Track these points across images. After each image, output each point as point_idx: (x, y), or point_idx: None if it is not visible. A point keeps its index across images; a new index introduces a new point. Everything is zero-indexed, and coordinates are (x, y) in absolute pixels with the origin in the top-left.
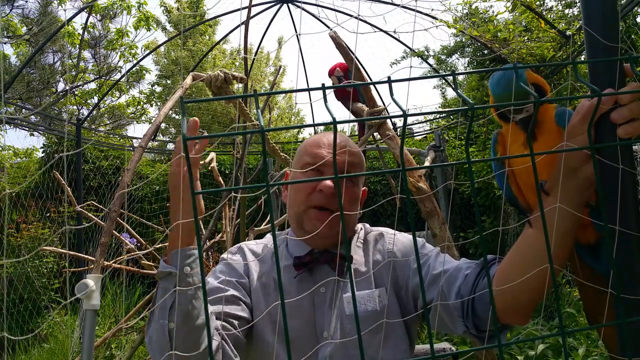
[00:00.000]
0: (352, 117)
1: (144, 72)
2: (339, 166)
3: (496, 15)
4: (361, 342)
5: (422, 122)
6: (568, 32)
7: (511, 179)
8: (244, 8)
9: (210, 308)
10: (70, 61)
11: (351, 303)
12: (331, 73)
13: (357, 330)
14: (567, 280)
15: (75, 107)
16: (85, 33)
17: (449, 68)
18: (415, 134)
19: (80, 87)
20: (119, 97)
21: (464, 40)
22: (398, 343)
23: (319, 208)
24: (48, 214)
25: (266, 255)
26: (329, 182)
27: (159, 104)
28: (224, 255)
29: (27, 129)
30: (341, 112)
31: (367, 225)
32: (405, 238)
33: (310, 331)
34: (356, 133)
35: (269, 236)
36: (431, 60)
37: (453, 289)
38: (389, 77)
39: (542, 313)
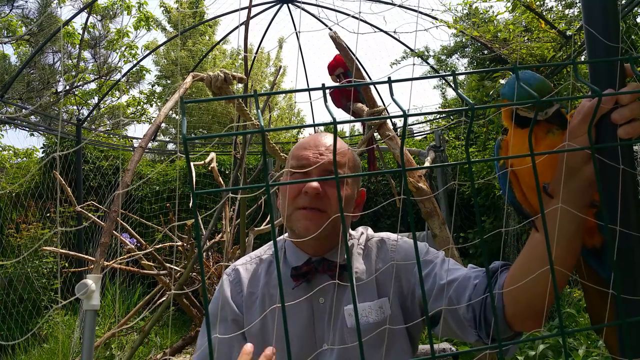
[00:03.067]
0: (352, 117)
1: (144, 72)
2: (323, 167)
3: (496, 16)
4: (362, 355)
5: (422, 123)
6: (568, 32)
7: (515, 185)
8: (243, 8)
9: None
10: (70, 61)
11: (353, 315)
12: (331, 68)
13: (359, 343)
14: (568, 280)
15: (75, 107)
16: (85, 33)
17: (449, 68)
18: (415, 134)
19: (80, 87)
20: (119, 97)
21: (464, 40)
22: (401, 355)
23: (306, 208)
24: (48, 214)
25: (258, 271)
26: (313, 183)
27: (159, 104)
28: (223, 277)
29: (27, 129)
30: (341, 112)
31: (370, 230)
32: (407, 244)
33: (309, 343)
34: (356, 133)
35: (264, 247)
36: (431, 60)
37: (463, 298)
38: (389, 77)
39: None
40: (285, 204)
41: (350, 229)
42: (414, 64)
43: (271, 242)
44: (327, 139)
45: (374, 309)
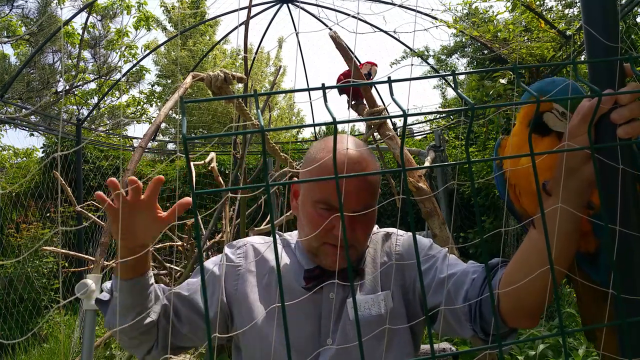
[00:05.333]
0: (353, 116)
1: (143, 72)
2: (358, 201)
3: (496, 15)
4: (362, 347)
5: (422, 122)
6: (568, 32)
7: (509, 183)
8: (243, 8)
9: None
10: (70, 61)
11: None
12: (339, 80)
13: (357, 335)
14: (568, 280)
15: (75, 107)
16: (85, 33)
17: (449, 68)
18: (415, 134)
19: (80, 87)
20: (119, 97)
21: (464, 40)
22: (403, 347)
23: (335, 245)
24: (48, 214)
25: (270, 254)
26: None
27: (159, 104)
28: (226, 249)
29: (27, 129)
30: (341, 111)
31: (376, 227)
32: (412, 239)
33: (314, 338)
34: (357, 133)
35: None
36: (431, 60)
37: (460, 293)
38: (389, 77)
39: (543, 313)
40: (311, 234)
41: None
42: (412, 65)
43: (290, 232)
44: (359, 164)
45: (376, 302)
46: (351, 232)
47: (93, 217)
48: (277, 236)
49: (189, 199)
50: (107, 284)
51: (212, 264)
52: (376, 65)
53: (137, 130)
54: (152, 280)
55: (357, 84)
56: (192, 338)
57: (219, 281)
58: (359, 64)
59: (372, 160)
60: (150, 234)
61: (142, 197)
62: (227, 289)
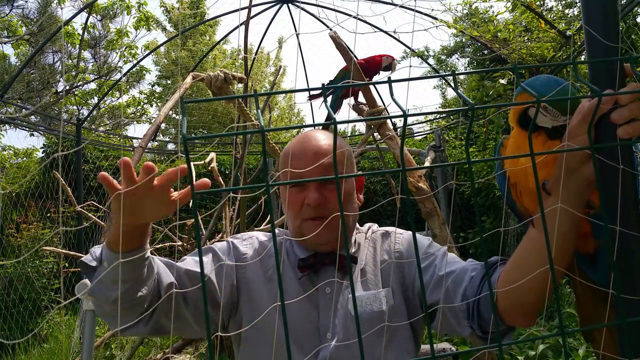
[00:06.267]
0: (354, 116)
1: (144, 72)
2: (318, 173)
3: (496, 16)
4: (361, 343)
5: (422, 122)
6: (568, 32)
7: (510, 182)
8: (243, 8)
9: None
10: (70, 61)
11: (357, 304)
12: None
13: (357, 331)
14: (567, 280)
15: (75, 107)
16: (85, 33)
17: (449, 68)
18: (415, 134)
19: (80, 87)
20: (119, 97)
21: (464, 40)
22: (403, 344)
23: (313, 219)
24: (48, 214)
25: (270, 250)
26: (313, 195)
27: (159, 104)
28: (232, 239)
29: (27, 129)
30: (341, 111)
31: (375, 226)
32: (411, 237)
33: (313, 332)
34: (356, 133)
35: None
36: (431, 60)
37: (459, 290)
38: (389, 77)
39: (543, 313)
40: (291, 215)
41: (357, 225)
42: (410, 66)
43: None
44: (316, 141)
45: (377, 298)
46: (324, 204)
47: (93, 217)
48: (279, 232)
49: (207, 181)
50: (97, 250)
51: (216, 247)
52: (394, 59)
53: (137, 131)
54: (148, 254)
55: (356, 84)
56: (191, 324)
57: (227, 266)
58: (376, 55)
59: (327, 138)
60: (157, 216)
61: (155, 183)
62: (237, 274)
